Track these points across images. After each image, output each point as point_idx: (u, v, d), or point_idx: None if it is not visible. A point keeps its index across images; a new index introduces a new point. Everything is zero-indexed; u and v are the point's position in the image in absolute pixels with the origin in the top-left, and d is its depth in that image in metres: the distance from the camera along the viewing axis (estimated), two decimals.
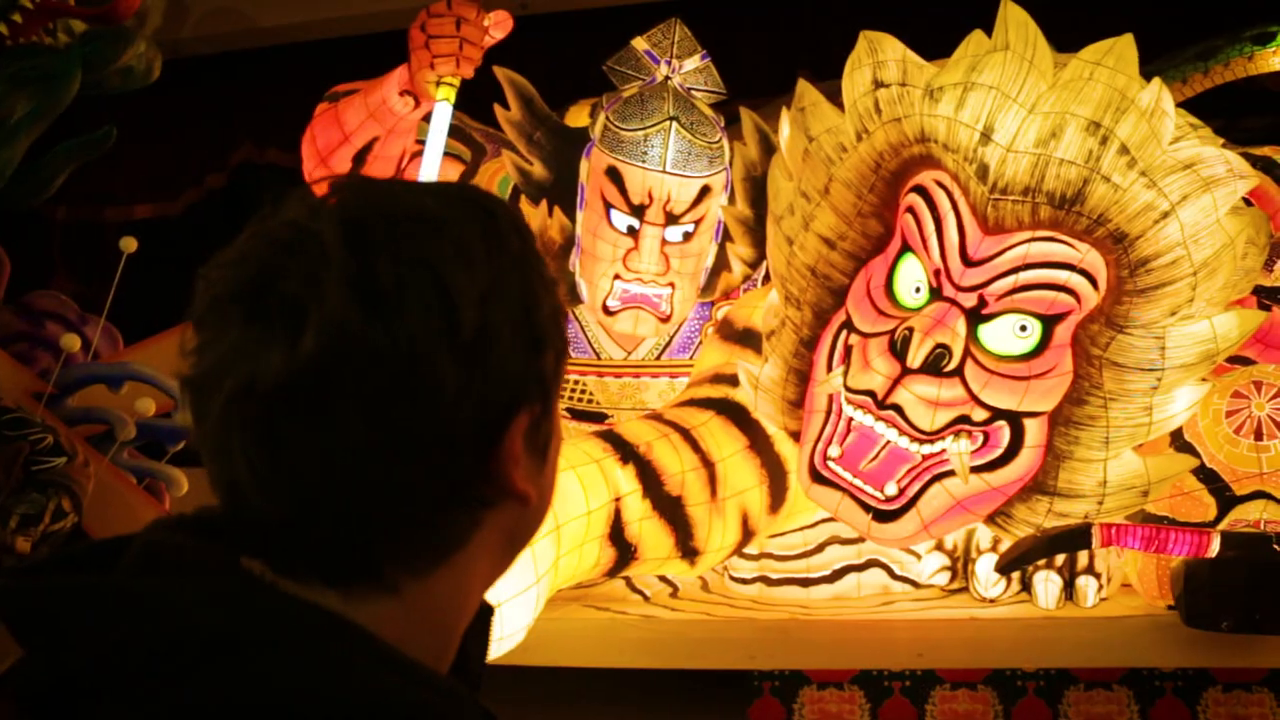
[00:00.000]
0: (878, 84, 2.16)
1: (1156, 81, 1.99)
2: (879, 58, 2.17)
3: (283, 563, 0.70)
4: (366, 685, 0.64)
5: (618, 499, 2.27)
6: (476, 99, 2.96)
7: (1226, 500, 2.38)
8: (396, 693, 0.64)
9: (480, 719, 0.73)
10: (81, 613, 0.65)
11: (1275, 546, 2.14)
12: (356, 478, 0.69)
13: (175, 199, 4.27)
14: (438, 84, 2.64)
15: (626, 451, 2.33)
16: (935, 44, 2.22)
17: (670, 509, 2.34)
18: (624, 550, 2.31)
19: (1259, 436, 2.37)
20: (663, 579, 2.82)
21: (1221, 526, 2.31)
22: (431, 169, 2.68)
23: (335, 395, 0.67)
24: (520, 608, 2.01)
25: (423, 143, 2.76)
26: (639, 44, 2.94)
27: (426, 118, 2.75)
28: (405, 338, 0.68)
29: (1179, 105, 2.06)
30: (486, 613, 0.86)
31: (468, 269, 0.71)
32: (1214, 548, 2.14)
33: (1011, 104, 2.01)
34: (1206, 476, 2.38)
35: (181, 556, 0.70)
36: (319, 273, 0.68)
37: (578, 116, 3.15)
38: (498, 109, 2.91)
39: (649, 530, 2.33)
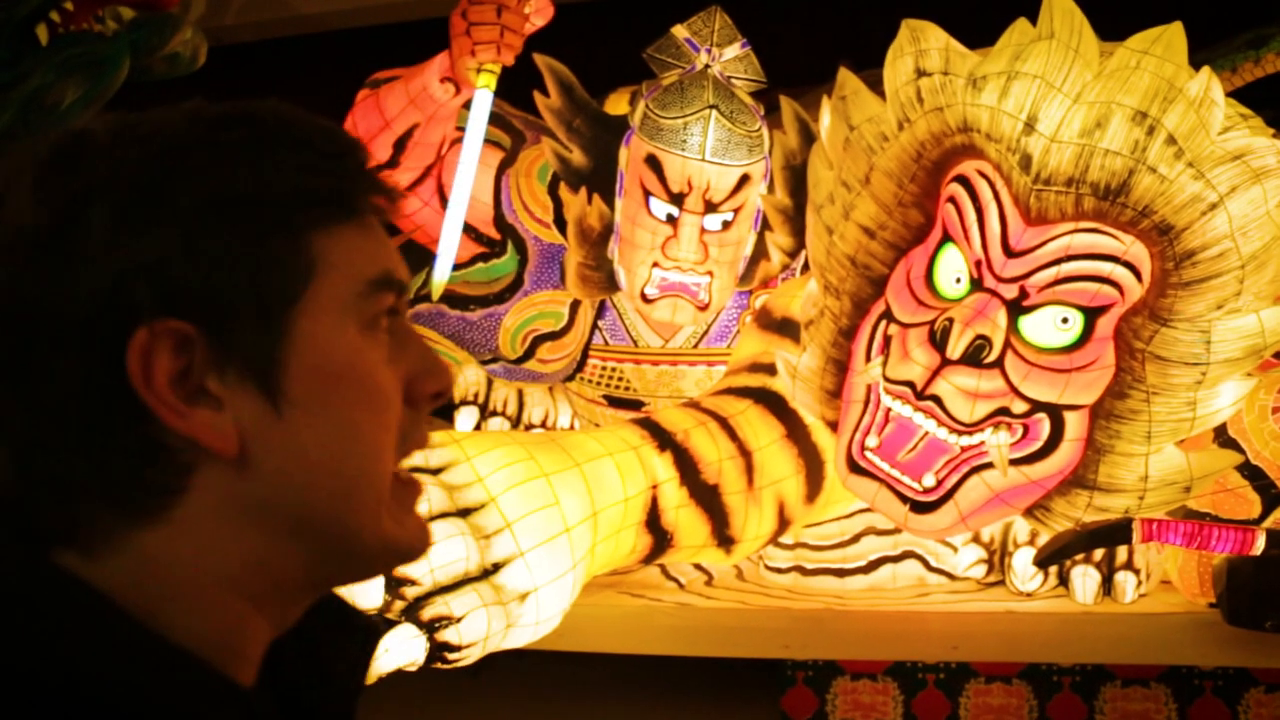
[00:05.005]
0: (920, 73, 2.15)
1: (1205, 71, 1.96)
2: (921, 46, 2.15)
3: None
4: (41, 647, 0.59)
5: (655, 486, 2.27)
6: (516, 86, 2.96)
7: (1271, 497, 2.35)
8: (96, 659, 0.60)
9: (223, 707, 0.64)
10: None
11: None
12: None
13: None
14: (478, 71, 2.65)
15: (664, 439, 2.33)
16: (978, 32, 2.20)
17: (707, 497, 2.34)
18: (660, 537, 2.31)
19: None
20: (698, 567, 2.82)
21: (1266, 524, 2.28)
22: (472, 155, 2.69)
23: None
24: (556, 593, 2.01)
25: (463, 129, 2.77)
26: (679, 32, 2.93)
27: (467, 105, 2.76)
28: None
29: (1229, 95, 2.03)
30: (368, 633, 0.79)
31: (69, 168, 0.63)
32: (1259, 545, 2.11)
33: (1056, 93, 1.99)
34: (1250, 473, 2.36)
35: None
36: None
37: (617, 104, 3.15)
38: (537, 96, 2.92)
39: (685, 518, 2.33)
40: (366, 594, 1.87)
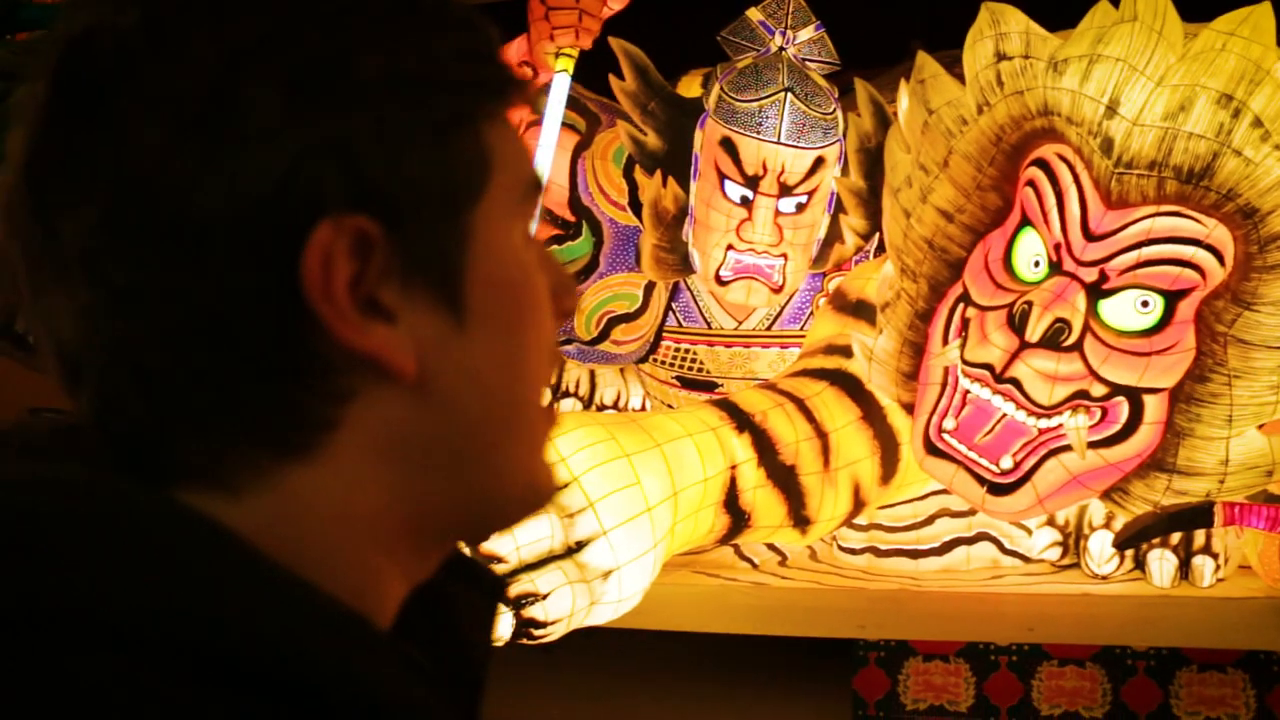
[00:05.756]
0: (1000, 56, 2.15)
1: None
2: (1001, 29, 2.16)
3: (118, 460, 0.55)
4: (210, 589, 0.49)
5: (733, 467, 2.31)
6: (591, 69, 2.99)
7: None
8: (252, 614, 0.49)
9: (396, 668, 0.54)
10: None
11: None
12: (101, 314, 0.52)
13: None
14: (556, 55, 2.69)
15: (742, 420, 2.36)
16: (1057, 15, 2.20)
17: (784, 478, 2.37)
18: (738, 518, 2.34)
19: None
20: (771, 547, 2.85)
21: None
22: (550, 139, 2.73)
23: (46, 201, 0.53)
24: (638, 572, 2.06)
25: (541, 112, 2.81)
26: (754, 14, 2.94)
27: (545, 88, 2.79)
28: (108, 110, 0.52)
29: None
30: (494, 587, 0.72)
31: (219, 23, 0.52)
32: None
33: (1139, 76, 1.98)
34: None
35: (23, 440, 0.58)
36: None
37: (690, 86, 3.17)
38: (613, 79, 2.94)
39: (762, 498, 2.36)
40: None
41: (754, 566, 2.82)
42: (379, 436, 0.55)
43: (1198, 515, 2.13)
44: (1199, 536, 2.46)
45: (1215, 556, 2.46)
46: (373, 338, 0.53)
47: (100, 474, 0.53)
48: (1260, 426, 2.16)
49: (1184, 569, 2.46)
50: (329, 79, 0.52)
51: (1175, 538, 2.45)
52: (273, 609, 0.50)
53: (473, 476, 0.59)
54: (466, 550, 0.70)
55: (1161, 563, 2.45)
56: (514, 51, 2.79)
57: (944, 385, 2.30)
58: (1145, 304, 2.11)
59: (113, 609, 0.47)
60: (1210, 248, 2.04)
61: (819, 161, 2.87)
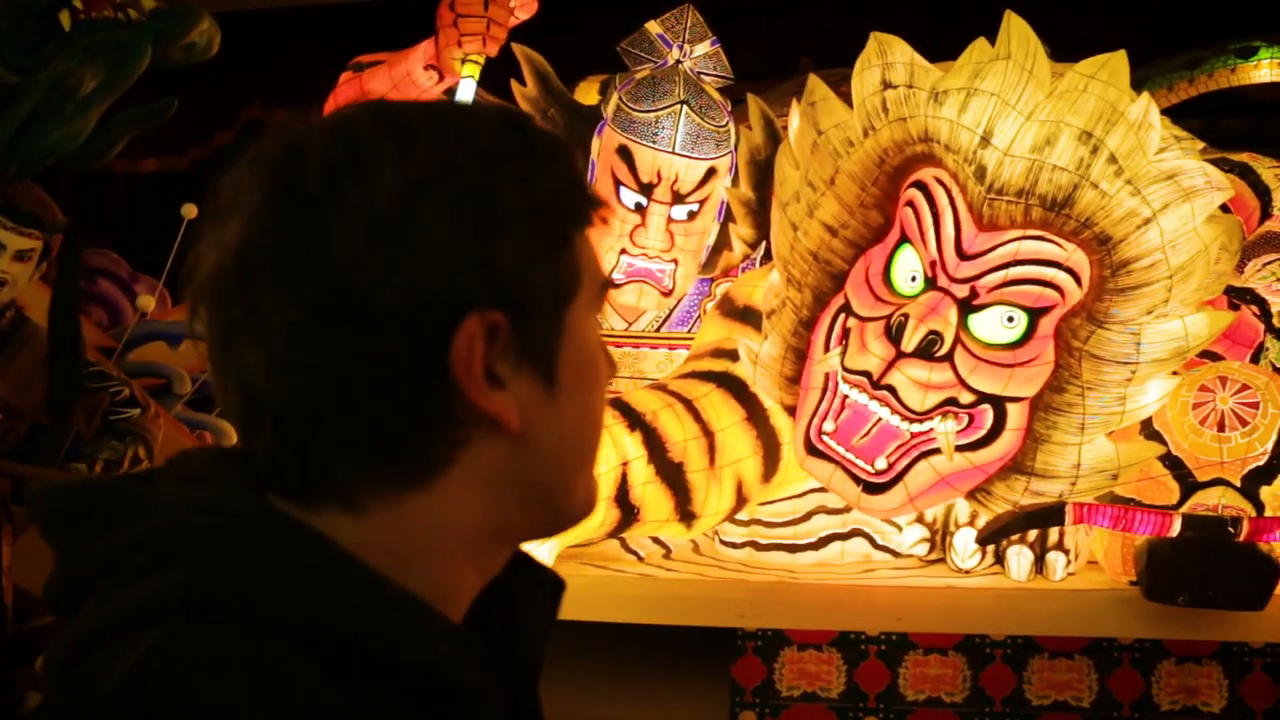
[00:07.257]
0: (886, 85, 2.30)
1: (1145, 96, 2.14)
2: (888, 59, 2.30)
3: (274, 481, 0.71)
4: (322, 598, 0.65)
5: (624, 463, 2.41)
6: (490, 73, 3.05)
7: (1188, 485, 2.54)
8: (345, 604, 0.65)
9: (456, 649, 0.69)
10: (91, 513, 0.70)
11: (1230, 529, 2.31)
12: (292, 371, 0.68)
13: (182, 154, 4.36)
14: (464, 61, 2.75)
15: (634, 419, 2.47)
16: (939, 47, 2.35)
17: (672, 475, 2.49)
18: (627, 512, 2.45)
19: (1221, 428, 2.54)
20: (655, 540, 2.96)
21: (1183, 510, 2.47)
22: None
23: (255, 280, 0.68)
24: None
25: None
26: (652, 27, 3.05)
27: (448, 92, 2.86)
28: (315, 217, 0.68)
29: (1164, 111, 2.21)
30: (555, 584, 0.85)
31: (403, 155, 0.69)
32: (1175, 528, 2.31)
33: (1010, 111, 2.15)
34: (1171, 463, 2.55)
35: (193, 469, 0.73)
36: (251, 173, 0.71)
37: (587, 93, 3.26)
38: (514, 85, 3.02)
39: (651, 494, 2.47)
40: None
41: (639, 559, 2.92)
42: (484, 473, 0.72)
43: (1052, 514, 2.32)
44: (1052, 534, 2.65)
45: (1067, 552, 2.65)
46: (493, 401, 0.70)
47: (242, 495, 0.69)
48: (1109, 434, 2.36)
49: (1039, 564, 2.64)
50: (481, 208, 0.69)
51: (1031, 535, 2.64)
52: (358, 601, 0.66)
53: (551, 499, 0.76)
54: (530, 554, 0.85)
55: (1019, 558, 2.63)
56: (421, 55, 2.85)
57: (825, 390, 2.45)
58: (1010, 319, 2.28)
59: (241, 601, 0.64)
60: (1069, 270, 2.22)
61: (711, 172, 3.00)
